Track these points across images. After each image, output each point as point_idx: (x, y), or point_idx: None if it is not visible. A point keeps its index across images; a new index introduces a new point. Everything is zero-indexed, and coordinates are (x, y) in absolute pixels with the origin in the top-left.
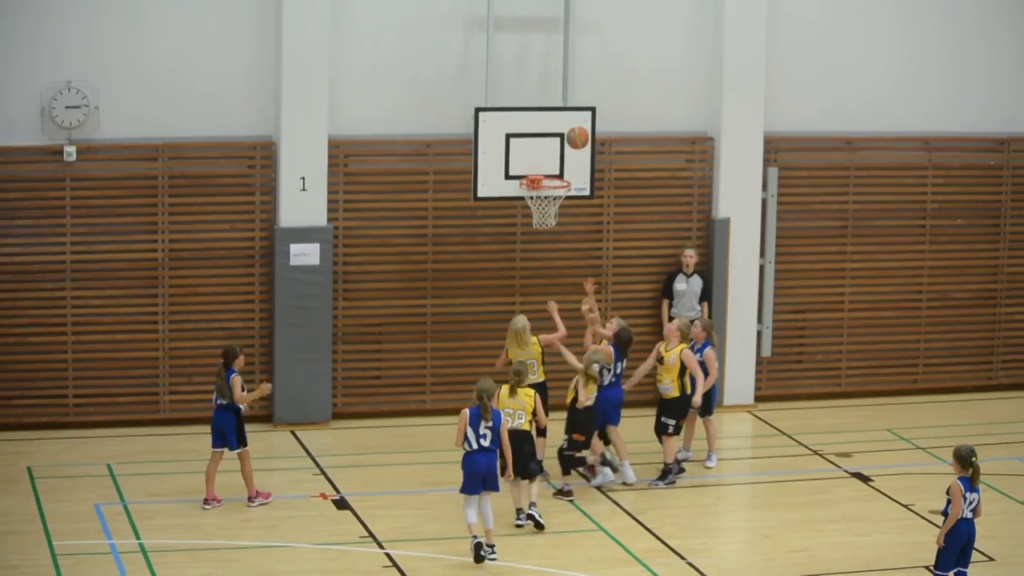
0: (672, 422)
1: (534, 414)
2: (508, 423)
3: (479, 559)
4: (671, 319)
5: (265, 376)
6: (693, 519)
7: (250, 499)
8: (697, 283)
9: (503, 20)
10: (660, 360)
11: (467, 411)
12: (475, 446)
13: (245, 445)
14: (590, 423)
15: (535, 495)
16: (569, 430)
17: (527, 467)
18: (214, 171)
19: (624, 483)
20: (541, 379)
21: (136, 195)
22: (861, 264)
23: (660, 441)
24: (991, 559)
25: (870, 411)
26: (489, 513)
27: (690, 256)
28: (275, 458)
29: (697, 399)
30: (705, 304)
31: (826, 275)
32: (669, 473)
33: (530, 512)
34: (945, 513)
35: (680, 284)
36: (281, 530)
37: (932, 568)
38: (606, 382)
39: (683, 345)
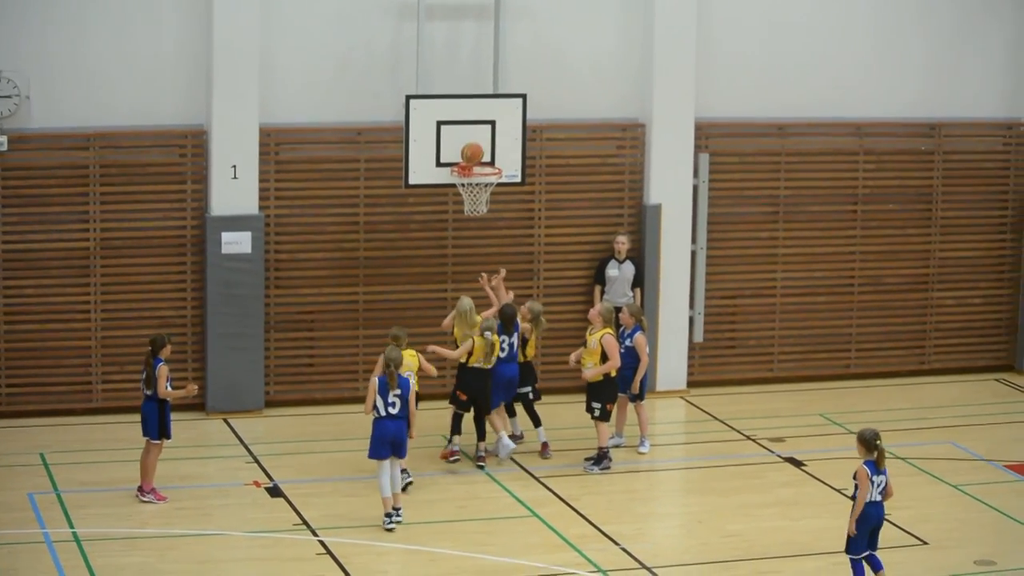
0: (598, 405)
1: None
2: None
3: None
4: None
5: (197, 365)
6: (627, 505)
7: (140, 490)
8: (629, 269)
9: (434, 8)
10: (584, 344)
11: (376, 379)
12: (383, 413)
13: (167, 437)
14: (475, 385)
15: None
16: (455, 388)
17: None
18: (145, 160)
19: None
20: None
21: (68, 184)
22: (793, 249)
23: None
24: (925, 543)
25: (803, 396)
26: (398, 478)
27: (622, 243)
28: (208, 446)
29: (587, 375)
30: (638, 290)
31: (758, 261)
32: (604, 458)
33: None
34: (854, 498)
35: (612, 270)
36: (215, 518)
37: (845, 552)
38: (494, 358)
39: (606, 330)
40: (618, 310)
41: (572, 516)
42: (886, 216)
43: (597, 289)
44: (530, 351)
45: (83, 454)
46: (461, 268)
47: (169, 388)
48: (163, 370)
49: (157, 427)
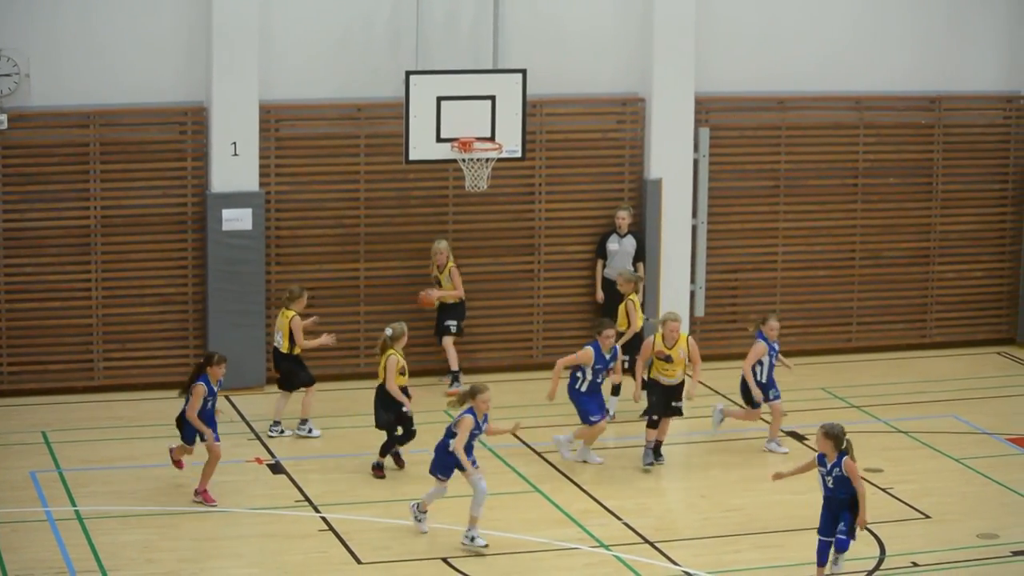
0: (679, 404)
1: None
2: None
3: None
4: (604, 279)
5: (198, 342)
6: (629, 479)
7: (196, 492)
8: (630, 243)
9: None
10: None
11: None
12: None
13: (187, 442)
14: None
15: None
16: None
17: (292, 382)
18: (145, 137)
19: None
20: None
21: (68, 162)
22: (794, 223)
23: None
24: (927, 517)
25: (804, 370)
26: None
27: (623, 217)
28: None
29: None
30: (641, 264)
31: (759, 235)
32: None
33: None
34: (852, 494)
35: (613, 244)
36: (217, 495)
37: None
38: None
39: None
40: (613, 283)
41: (574, 491)
42: (887, 190)
43: (599, 263)
44: (637, 322)
45: (85, 432)
46: (462, 243)
47: (196, 415)
48: (198, 391)
49: (190, 431)
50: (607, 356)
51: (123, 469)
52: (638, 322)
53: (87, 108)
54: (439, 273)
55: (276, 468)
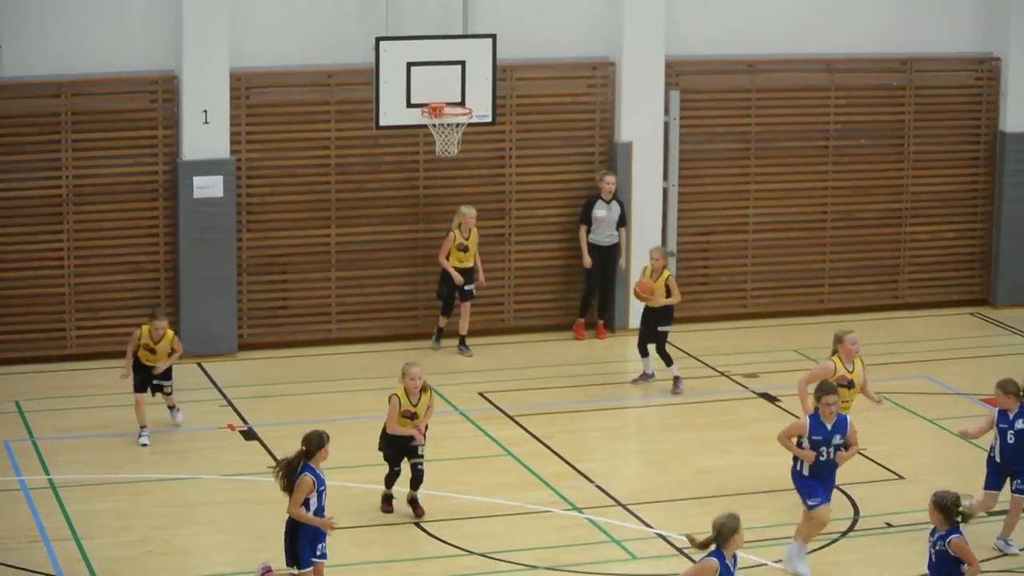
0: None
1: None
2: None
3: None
4: (589, 245)
5: (170, 309)
6: (601, 442)
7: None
8: (616, 209)
9: None
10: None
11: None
12: None
13: (297, 567)
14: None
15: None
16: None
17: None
18: (116, 106)
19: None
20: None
21: (39, 132)
22: (765, 186)
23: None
24: (901, 477)
25: (776, 332)
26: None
27: (610, 182)
28: (182, 390)
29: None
30: (623, 230)
31: (730, 197)
32: None
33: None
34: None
35: (600, 211)
36: (190, 462)
37: None
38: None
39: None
40: (605, 249)
41: (546, 454)
42: (858, 151)
43: (582, 229)
44: (659, 296)
45: (58, 400)
46: (432, 208)
47: (308, 511)
48: (304, 483)
49: (287, 550)
50: (828, 427)
51: (96, 438)
52: (676, 295)
53: (58, 78)
54: (465, 239)
55: (248, 434)
